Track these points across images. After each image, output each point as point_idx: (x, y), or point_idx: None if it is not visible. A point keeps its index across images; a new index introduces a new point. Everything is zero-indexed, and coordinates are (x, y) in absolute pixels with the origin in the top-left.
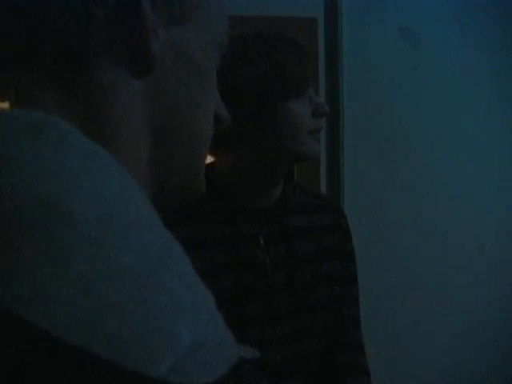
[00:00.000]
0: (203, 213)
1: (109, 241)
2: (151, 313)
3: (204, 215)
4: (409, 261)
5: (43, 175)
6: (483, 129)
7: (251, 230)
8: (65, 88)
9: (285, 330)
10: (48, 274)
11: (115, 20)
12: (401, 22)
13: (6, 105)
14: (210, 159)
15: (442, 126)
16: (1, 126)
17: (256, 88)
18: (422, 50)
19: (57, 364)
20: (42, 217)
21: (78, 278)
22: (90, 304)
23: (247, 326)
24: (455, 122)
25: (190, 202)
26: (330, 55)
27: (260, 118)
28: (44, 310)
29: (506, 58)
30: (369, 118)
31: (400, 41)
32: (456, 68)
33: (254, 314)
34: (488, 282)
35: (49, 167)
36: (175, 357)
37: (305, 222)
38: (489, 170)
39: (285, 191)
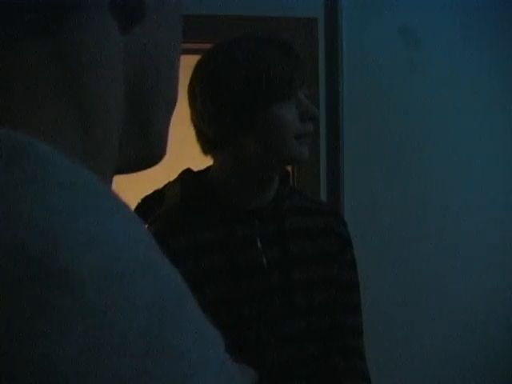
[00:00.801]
0: (199, 217)
1: (111, 302)
2: None
3: (200, 219)
4: (409, 262)
5: (24, 220)
6: (484, 128)
7: (248, 231)
8: (45, 42)
9: (281, 331)
10: (48, 355)
11: None
12: (400, 22)
13: None
14: (201, 166)
15: (442, 126)
16: None
17: (239, 93)
18: (421, 49)
19: None
20: (31, 280)
21: (84, 356)
22: None
23: (245, 328)
24: (455, 122)
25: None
26: (329, 55)
27: (245, 123)
28: None
29: (507, 58)
30: (369, 118)
31: (400, 40)
32: (456, 68)
33: (251, 315)
34: (488, 282)
35: (32, 211)
36: None
37: (300, 224)
38: (490, 169)
39: (280, 192)
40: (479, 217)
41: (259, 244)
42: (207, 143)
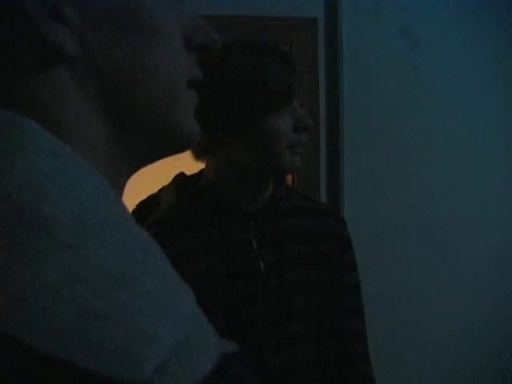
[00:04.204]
0: (194, 221)
1: (84, 244)
2: (132, 316)
3: (195, 223)
4: (409, 263)
5: (12, 178)
6: (484, 128)
7: (243, 234)
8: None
9: (281, 334)
10: (23, 284)
11: (7, 24)
12: (400, 22)
13: None
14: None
15: (443, 126)
16: None
17: (235, 101)
18: (421, 49)
19: (39, 379)
20: (13, 223)
21: (55, 285)
22: (70, 311)
23: (244, 331)
24: (456, 122)
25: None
26: (329, 55)
27: (239, 131)
28: (21, 320)
29: (507, 58)
30: (369, 119)
31: (400, 41)
32: (456, 68)
33: (249, 318)
34: (489, 283)
35: (17, 169)
36: (159, 359)
37: (297, 225)
38: (491, 169)
39: (275, 193)
40: (481, 217)
41: (255, 246)
42: (199, 149)
